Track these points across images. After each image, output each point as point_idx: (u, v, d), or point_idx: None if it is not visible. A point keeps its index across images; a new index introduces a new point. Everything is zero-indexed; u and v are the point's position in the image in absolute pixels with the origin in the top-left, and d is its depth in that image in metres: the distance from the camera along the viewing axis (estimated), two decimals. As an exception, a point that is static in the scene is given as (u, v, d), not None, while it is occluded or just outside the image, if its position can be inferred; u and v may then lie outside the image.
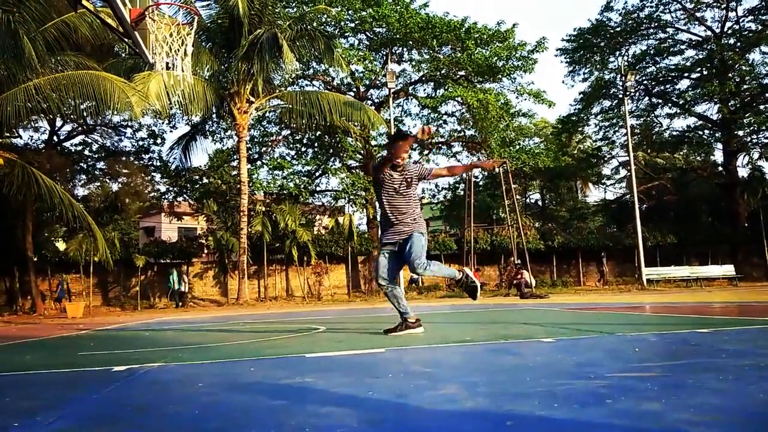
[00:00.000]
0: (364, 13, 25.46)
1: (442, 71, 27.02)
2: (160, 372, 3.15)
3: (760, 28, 27.57)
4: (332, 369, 2.98)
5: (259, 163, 27.02)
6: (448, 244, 26.71)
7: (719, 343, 3.42)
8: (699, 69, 29.30)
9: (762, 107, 28.06)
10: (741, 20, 28.52)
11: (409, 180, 4.82)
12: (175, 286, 22.03)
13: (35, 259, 20.95)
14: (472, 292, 4.91)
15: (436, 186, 31.78)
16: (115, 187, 27.77)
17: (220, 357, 3.87)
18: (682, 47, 29.77)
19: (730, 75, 27.51)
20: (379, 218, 5.18)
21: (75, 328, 9.17)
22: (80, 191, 26.80)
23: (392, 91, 23.97)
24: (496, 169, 23.42)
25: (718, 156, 31.50)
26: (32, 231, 20.37)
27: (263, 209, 23.94)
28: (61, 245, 23.92)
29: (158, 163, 27.06)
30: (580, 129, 32.85)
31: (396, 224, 4.82)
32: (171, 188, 27.60)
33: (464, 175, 27.76)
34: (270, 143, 27.84)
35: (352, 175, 26.04)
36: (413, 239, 4.78)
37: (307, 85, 27.72)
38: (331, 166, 27.26)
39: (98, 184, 27.71)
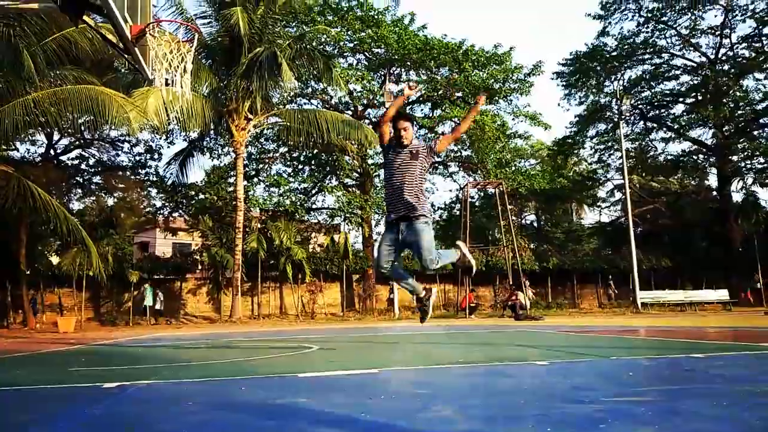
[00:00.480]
0: (363, 33, 25.68)
1: (440, 92, 27.23)
2: (150, 389, 3.11)
3: (753, 54, 27.90)
4: (325, 389, 2.95)
5: (255, 179, 27.02)
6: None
7: (713, 369, 3.41)
8: (694, 94, 29.57)
9: (756, 133, 28.30)
10: (735, 47, 28.88)
11: (414, 152, 4.70)
12: (149, 303, 21.35)
13: (28, 273, 20.80)
14: (423, 315, 4.78)
15: (432, 205, 31.84)
16: (110, 201, 27.70)
17: (212, 375, 3.84)
18: (677, 72, 30.07)
19: (724, 101, 27.77)
20: (384, 197, 5.06)
21: (66, 343, 9.08)
22: (75, 205, 26.70)
23: (390, 110, 24.07)
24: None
25: (713, 180, 31.69)
26: (26, 244, 20.25)
27: (259, 226, 23.88)
28: (54, 259, 23.76)
29: (155, 178, 27.01)
30: (575, 151, 33.01)
31: (398, 199, 4.65)
32: (167, 203, 27.53)
33: (460, 194, 27.88)
34: (267, 160, 27.87)
35: (349, 194, 26.05)
36: (422, 233, 4.56)
37: (305, 103, 27.84)
38: (328, 184, 27.28)
39: (94, 198, 27.63)
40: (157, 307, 21.66)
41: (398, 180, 4.64)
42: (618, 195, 35.06)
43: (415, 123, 5.68)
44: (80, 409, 2.54)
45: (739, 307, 23.20)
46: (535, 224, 39.88)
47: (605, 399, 2.39)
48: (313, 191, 28.00)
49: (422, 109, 29.32)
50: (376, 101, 27.43)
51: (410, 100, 5.09)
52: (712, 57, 29.16)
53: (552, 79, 31.97)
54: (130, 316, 21.21)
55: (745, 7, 27.14)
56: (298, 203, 25.77)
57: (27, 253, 20.46)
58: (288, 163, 28.26)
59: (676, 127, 29.85)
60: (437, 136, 29.14)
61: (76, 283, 20.70)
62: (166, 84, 7.02)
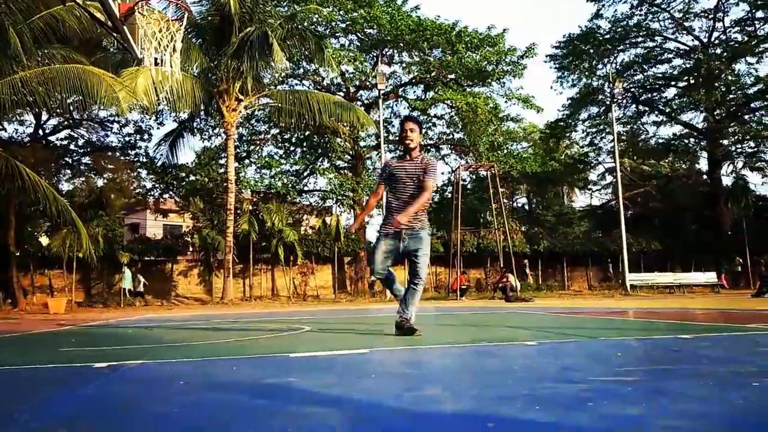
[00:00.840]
0: (355, 14, 25.46)
1: (432, 74, 27.09)
2: (141, 369, 3.12)
3: (746, 39, 27.93)
4: (316, 369, 2.96)
5: (247, 161, 26.92)
6: (435, 246, 26.74)
7: (700, 350, 3.45)
8: (686, 78, 29.63)
9: (747, 117, 28.43)
10: (728, 31, 28.90)
11: (421, 167, 4.74)
12: (128, 285, 21.13)
13: (17, 254, 20.67)
14: (397, 329, 4.69)
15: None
16: (100, 182, 27.51)
17: (203, 355, 3.84)
18: (670, 56, 30.10)
19: (716, 84, 27.84)
20: (385, 204, 5.02)
21: (56, 324, 9.06)
22: (65, 186, 26.54)
23: (382, 92, 23.99)
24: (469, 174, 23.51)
25: (703, 164, 31.91)
26: (15, 226, 20.11)
27: (250, 208, 23.83)
28: (44, 240, 23.62)
29: (144, 159, 26.86)
30: (567, 135, 33.07)
31: (400, 212, 4.61)
32: (157, 185, 27.40)
33: (452, 177, 27.85)
34: (258, 142, 27.75)
35: (341, 176, 26.01)
36: (424, 242, 4.67)
37: (296, 84, 27.67)
38: (320, 166, 27.23)
39: (83, 179, 27.43)
40: (140, 289, 21.44)
41: (404, 193, 4.66)
42: (609, 178, 35.24)
43: (421, 126, 5.54)
44: (71, 389, 2.55)
45: (727, 289, 23.48)
46: (527, 207, 40.04)
47: (593, 378, 2.42)
48: (305, 173, 27.92)
49: (415, 91, 29.19)
50: (368, 83, 27.29)
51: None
52: (705, 41, 29.17)
53: (545, 61, 31.92)
54: (121, 297, 21.18)
55: (738, -10, 27.09)
56: (290, 185, 25.71)
57: (16, 235, 20.31)
58: (279, 144, 28.15)
59: (667, 110, 29.92)
60: (439, 137, 29.18)
61: (67, 264, 20.64)
62: (156, 63, 6.95)
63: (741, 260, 25.90)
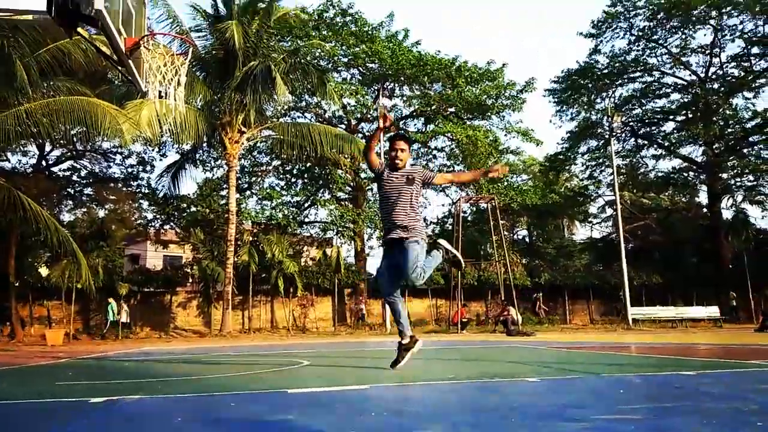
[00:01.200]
0: (357, 48, 25.86)
1: (433, 107, 27.38)
2: (137, 405, 3.08)
3: (742, 74, 28.30)
4: (315, 405, 2.93)
5: (248, 192, 27.01)
6: (435, 278, 26.63)
7: (703, 386, 3.41)
8: (684, 112, 29.92)
9: (745, 151, 28.60)
10: (725, 66, 29.30)
11: (410, 178, 4.61)
12: (113, 317, 20.47)
13: (16, 285, 20.60)
14: (396, 360, 4.51)
15: (425, 220, 31.88)
16: (101, 213, 27.54)
17: (201, 390, 3.80)
18: (668, 90, 30.44)
19: (714, 119, 28.10)
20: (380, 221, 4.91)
21: (54, 357, 8.98)
22: (66, 217, 26.55)
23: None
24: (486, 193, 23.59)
25: (703, 198, 31.98)
26: (15, 256, 20.08)
27: (250, 239, 23.80)
28: (43, 271, 23.56)
29: (146, 190, 26.93)
30: (567, 167, 33.24)
31: (393, 223, 4.57)
32: (158, 216, 27.41)
33: (452, 209, 27.91)
34: (260, 173, 27.88)
35: (341, 207, 26.07)
36: (408, 251, 4.49)
37: (298, 117, 27.93)
38: (321, 197, 27.29)
39: (85, 210, 27.48)
40: (123, 320, 20.89)
41: (393, 204, 4.59)
42: (609, 211, 35.27)
43: (411, 144, 5.36)
44: (66, 424, 2.52)
45: (729, 323, 23.29)
46: (527, 239, 39.99)
47: (595, 417, 2.39)
48: (306, 204, 27.99)
49: (415, 124, 29.45)
50: (369, 115, 27.56)
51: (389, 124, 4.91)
52: (702, 75, 29.54)
53: (544, 96, 32.27)
54: (119, 329, 20.99)
55: (734, 27, 27.59)
56: (291, 216, 25.73)
57: (16, 265, 20.26)
58: (281, 176, 28.28)
59: (666, 144, 30.14)
60: (439, 169, 29.35)
61: (65, 295, 20.53)
62: (160, 96, 7.03)
63: (735, 294, 25.74)
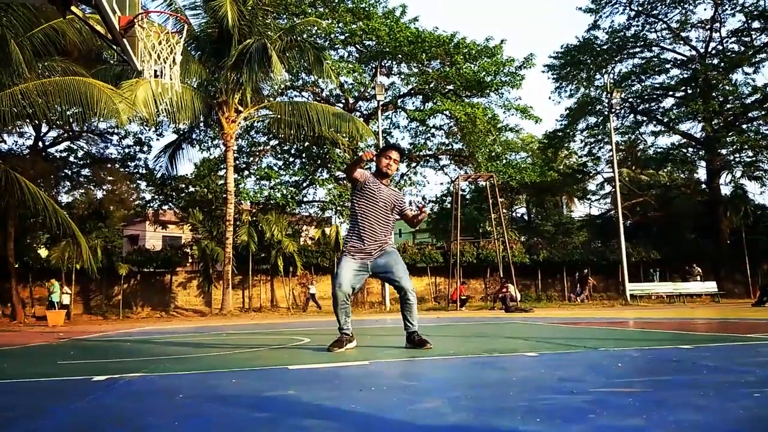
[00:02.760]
0: (354, 26, 25.60)
1: (431, 85, 27.19)
2: (140, 382, 3.11)
3: (742, 49, 28.08)
4: (316, 381, 2.96)
5: (246, 172, 26.94)
6: (434, 257, 26.72)
7: (700, 360, 3.44)
8: (683, 88, 29.75)
9: (744, 127, 28.51)
10: (725, 41, 29.07)
11: (396, 203, 4.70)
12: (57, 299, 19.59)
13: (16, 266, 20.65)
14: (333, 344, 4.59)
15: (423, 198, 31.88)
16: (99, 194, 27.52)
17: (202, 368, 3.83)
18: (667, 66, 30.23)
19: (713, 94, 27.95)
20: (350, 228, 4.88)
21: (55, 337, 9.04)
22: (64, 198, 26.53)
23: (381, 103, 24.08)
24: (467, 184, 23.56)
25: (702, 174, 31.96)
26: (14, 237, 20.09)
27: (249, 219, 23.82)
28: (43, 252, 23.58)
29: (144, 171, 26.87)
30: (566, 145, 33.14)
31: (377, 235, 4.59)
32: (156, 196, 27.39)
33: (451, 188, 27.86)
34: (258, 153, 27.79)
35: (340, 186, 26.03)
36: (398, 256, 4.62)
37: (296, 95, 27.76)
38: (319, 176, 27.25)
39: (83, 191, 27.44)
40: (65, 302, 20.16)
41: (380, 217, 4.61)
42: (608, 188, 35.30)
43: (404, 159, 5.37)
44: (69, 402, 2.54)
45: (727, 298, 23.44)
46: (526, 217, 40.03)
47: (593, 390, 2.41)
48: (304, 184, 27.94)
49: (413, 102, 29.28)
50: (367, 94, 27.39)
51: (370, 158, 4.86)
52: (702, 51, 29.32)
53: (543, 71, 32.04)
54: (120, 309, 21.09)
55: (734, 2, 27.28)
56: (289, 196, 25.69)
57: (15, 246, 20.28)
58: (279, 155, 28.18)
59: (665, 120, 30.01)
60: (435, 156, 29.22)
61: (66, 276, 20.57)
62: (155, 75, 6.98)
63: (699, 269, 25.82)
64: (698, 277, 24.85)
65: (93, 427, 2.05)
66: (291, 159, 27.85)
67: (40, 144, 24.87)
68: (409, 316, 4.69)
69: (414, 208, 4.74)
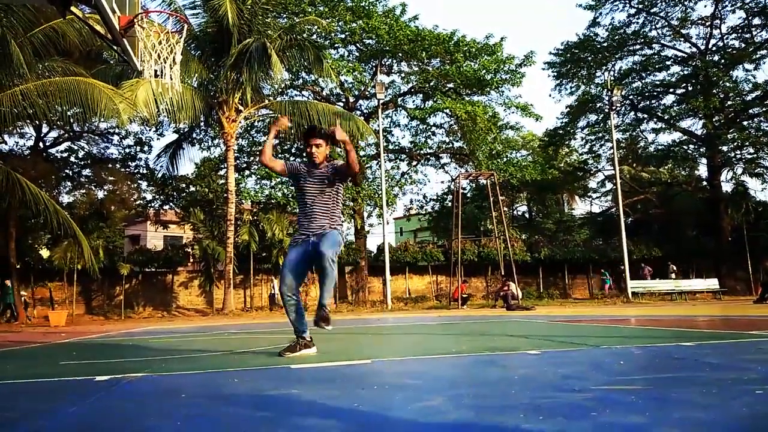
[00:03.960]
0: (354, 25, 25.56)
1: (431, 83, 27.16)
2: (142, 382, 3.11)
3: (743, 46, 28.04)
4: (318, 380, 2.96)
5: (247, 172, 26.95)
6: (435, 255, 26.73)
7: (702, 357, 3.44)
8: (684, 85, 29.71)
9: (745, 123, 28.47)
10: (725, 38, 29.02)
11: (325, 177, 4.45)
12: (11, 300, 19.16)
13: (18, 267, 20.66)
14: (289, 348, 4.38)
15: (424, 197, 31.88)
16: (100, 194, 27.54)
17: (204, 368, 3.83)
18: (668, 63, 30.18)
19: (714, 91, 27.91)
20: (297, 216, 4.69)
21: (57, 337, 9.05)
22: (65, 198, 26.55)
23: (381, 102, 24.05)
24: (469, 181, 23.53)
25: (703, 171, 31.92)
26: (15, 238, 20.11)
27: (250, 218, 23.83)
28: (44, 253, 23.61)
29: (145, 171, 26.89)
30: (566, 142, 33.12)
31: (312, 222, 4.39)
32: (157, 196, 27.41)
33: (452, 186, 27.83)
34: (258, 152, 27.78)
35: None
36: (331, 233, 4.31)
37: (296, 95, 27.73)
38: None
39: (84, 191, 27.46)
40: (9, 301, 19.42)
41: (311, 207, 4.42)
42: (609, 185, 35.26)
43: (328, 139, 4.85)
44: (71, 403, 2.54)
45: (729, 295, 23.43)
46: (527, 215, 40.01)
47: (595, 387, 2.41)
48: (305, 183, 27.80)
49: (414, 101, 29.25)
50: (367, 92, 27.36)
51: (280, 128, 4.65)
52: (703, 48, 29.26)
53: (543, 69, 31.97)
54: (122, 309, 21.12)
55: (734, -2, 27.23)
56: (290, 195, 25.66)
57: (17, 247, 20.28)
58: (279, 155, 28.14)
59: (666, 117, 29.97)
60: (439, 146, 29.11)
61: (67, 276, 20.59)
62: (156, 75, 6.97)
63: (675, 267, 25.86)
64: (673, 275, 25.02)
65: (95, 427, 2.05)
66: (291, 158, 27.85)
67: (41, 144, 24.89)
68: (323, 288, 4.29)
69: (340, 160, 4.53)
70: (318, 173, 4.49)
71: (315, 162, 4.49)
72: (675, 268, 25.72)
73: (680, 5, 28.52)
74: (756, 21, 27.48)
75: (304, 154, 4.66)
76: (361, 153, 27.19)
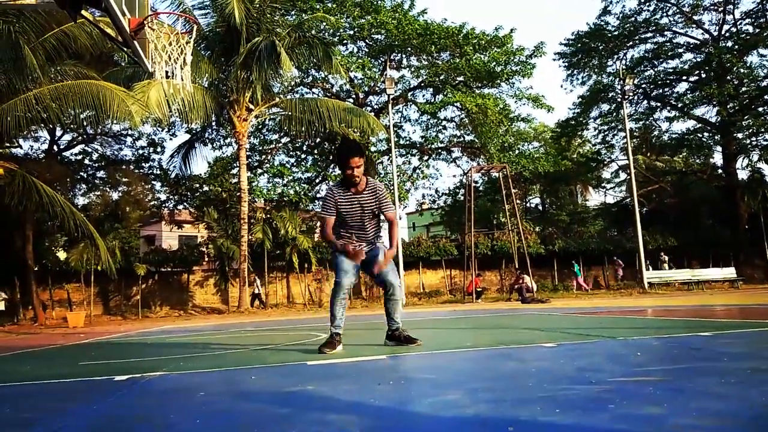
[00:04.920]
0: (362, 20, 25.52)
1: (441, 77, 27.06)
2: (161, 381, 3.14)
3: (757, 30, 27.62)
4: (335, 376, 2.97)
5: (259, 170, 27.05)
6: (448, 249, 26.68)
7: (720, 347, 3.41)
8: (697, 72, 29.35)
9: (761, 109, 28.08)
10: (738, 23, 28.60)
11: (374, 209, 4.40)
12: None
13: (36, 269, 20.91)
14: (323, 347, 4.32)
15: (437, 191, 31.81)
16: (115, 195, 27.79)
17: (222, 365, 3.87)
18: (680, 50, 29.83)
19: (728, 78, 27.55)
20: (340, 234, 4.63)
21: (76, 338, 9.16)
22: (80, 200, 26.83)
23: (391, 97, 24.00)
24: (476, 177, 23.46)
25: (718, 159, 31.54)
26: (33, 241, 20.35)
27: (263, 216, 23.92)
28: (61, 255, 23.86)
29: (158, 172, 27.09)
30: (579, 133, 32.86)
31: (362, 236, 4.44)
32: (171, 196, 27.61)
33: (464, 180, 27.76)
34: (270, 151, 27.87)
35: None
36: (383, 253, 4.36)
37: (306, 92, 27.77)
38: (331, 172, 27.27)
39: (98, 193, 27.73)
40: (1, 308, 19.59)
41: (364, 221, 4.43)
42: (623, 175, 34.95)
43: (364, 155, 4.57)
44: (91, 402, 2.57)
45: (746, 284, 23.16)
46: (540, 207, 39.80)
47: (612, 379, 2.40)
48: (317, 180, 27.98)
49: (424, 95, 29.17)
50: (377, 88, 27.33)
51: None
52: (715, 34, 28.89)
53: (554, 59, 31.75)
54: (139, 308, 21.32)
55: (748, -18, 26.80)
56: (302, 193, 25.77)
57: (34, 250, 20.53)
58: (291, 153, 28.24)
59: (680, 105, 29.63)
60: (446, 148, 29.01)
61: (84, 277, 20.81)
62: (167, 76, 7.01)
63: (666, 257, 25.52)
64: (665, 266, 24.79)
65: (115, 426, 2.08)
66: (303, 156, 27.90)
67: (55, 148, 25.16)
68: (393, 315, 4.46)
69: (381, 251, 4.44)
70: (366, 203, 4.37)
71: (356, 182, 4.30)
72: (666, 257, 25.50)
73: (692, -10, 28.16)
74: (770, 5, 27.06)
75: (340, 175, 4.44)
76: (372, 149, 27.18)
